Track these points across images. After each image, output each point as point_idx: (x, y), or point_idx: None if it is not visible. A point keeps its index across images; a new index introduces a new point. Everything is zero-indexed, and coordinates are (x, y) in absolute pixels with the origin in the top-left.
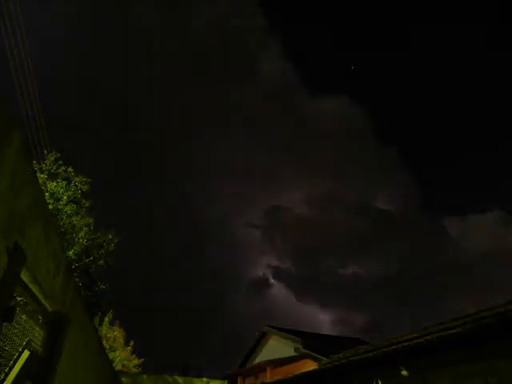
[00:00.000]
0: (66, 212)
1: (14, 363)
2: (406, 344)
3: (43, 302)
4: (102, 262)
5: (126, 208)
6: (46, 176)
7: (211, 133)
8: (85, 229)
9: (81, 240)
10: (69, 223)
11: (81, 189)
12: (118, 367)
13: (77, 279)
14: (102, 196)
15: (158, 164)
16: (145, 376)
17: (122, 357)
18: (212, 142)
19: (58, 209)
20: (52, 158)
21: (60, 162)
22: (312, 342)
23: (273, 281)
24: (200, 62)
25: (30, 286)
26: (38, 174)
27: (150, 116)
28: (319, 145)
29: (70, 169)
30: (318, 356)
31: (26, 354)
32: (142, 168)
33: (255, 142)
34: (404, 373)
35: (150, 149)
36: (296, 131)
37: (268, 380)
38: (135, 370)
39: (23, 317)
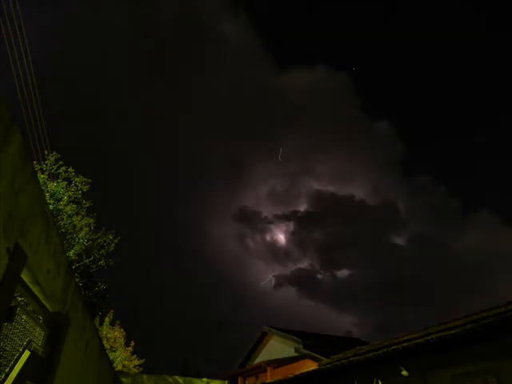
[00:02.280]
0: (66, 212)
1: (15, 363)
2: (405, 344)
3: (44, 302)
4: (102, 263)
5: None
6: (46, 176)
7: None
8: (85, 229)
9: (81, 240)
10: (69, 223)
11: (81, 189)
12: (119, 367)
13: (77, 279)
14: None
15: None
16: (145, 376)
17: (123, 357)
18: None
19: (59, 209)
20: (52, 159)
21: (60, 163)
22: (312, 342)
23: (275, 283)
24: (161, 46)
25: (31, 286)
26: (38, 175)
27: (119, 108)
28: (294, 124)
29: (70, 169)
30: (318, 356)
31: (27, 354)
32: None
33: (227, 129)
34: (404, 373)
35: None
36: (270, 112)
37: (268, 380)
38: (135, 371)
39: (24, 317)
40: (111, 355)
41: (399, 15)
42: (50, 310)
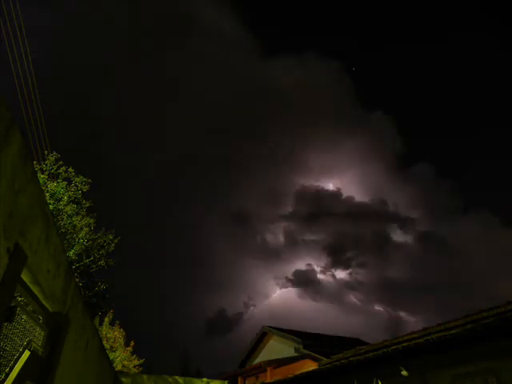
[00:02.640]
0: (66, 212)
1: (15, 363)
2: (405, 344)
3: (44, 302)
4: (102, 263)
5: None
6: (46, 176)
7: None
8: (85, 229)
9: (81, 240)
10: (69, 223)
11: (81, 189)
12: (119, 367)
13: (77, 279)
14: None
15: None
16: (145, 376)
17: (123, 357)
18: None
19: (59, 209)
20: (52, 159)
21: (60, 163)
22: (312, 342)
23: (274, 283)
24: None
25: (31, 286)
26: (38, 175)
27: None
28: (293, 124)
29: (70, 169)
30: (318, 356)
31: (27, 354)
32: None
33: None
34: (404, 373)
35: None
36: (270, 112)
37: (268, 380)
38: (135, 371)
39: (24, 317)
40: (111, 355)
41: (399, 12)
42: (50, 309)
